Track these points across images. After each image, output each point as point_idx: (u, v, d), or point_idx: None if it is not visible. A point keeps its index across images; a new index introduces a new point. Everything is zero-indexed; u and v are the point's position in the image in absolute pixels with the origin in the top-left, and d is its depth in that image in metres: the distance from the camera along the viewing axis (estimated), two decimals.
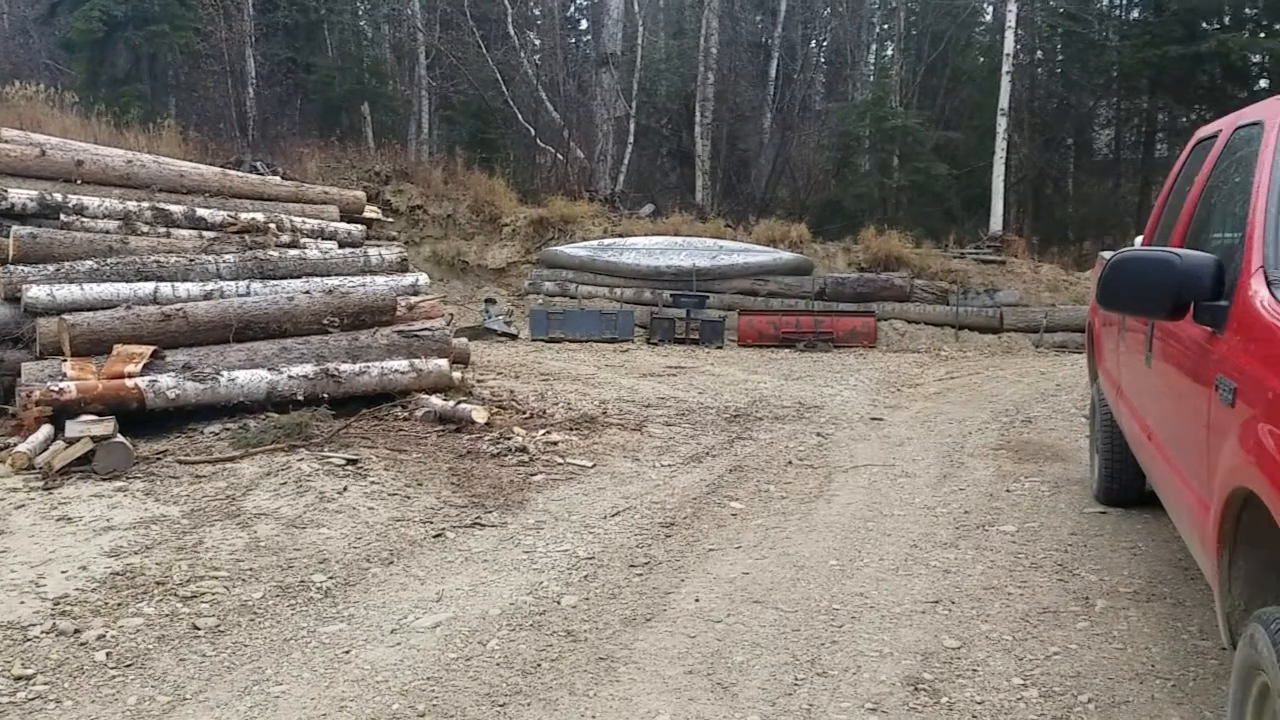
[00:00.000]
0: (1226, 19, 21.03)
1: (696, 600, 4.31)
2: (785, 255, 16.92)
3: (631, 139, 22.55)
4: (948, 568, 4.71)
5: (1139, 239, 5.12)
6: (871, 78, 25.36)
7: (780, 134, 23.61)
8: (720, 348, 14.74)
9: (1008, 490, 6.16)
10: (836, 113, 23.90)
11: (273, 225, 9.35)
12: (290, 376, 7.36)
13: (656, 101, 24.35)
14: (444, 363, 8.36)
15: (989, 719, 3.25)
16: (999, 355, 14.57)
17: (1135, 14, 23.36)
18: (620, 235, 17.94)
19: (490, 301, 16.73)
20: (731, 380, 11.22)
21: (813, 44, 27.69)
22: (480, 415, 7.54)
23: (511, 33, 23.14)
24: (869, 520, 5.50)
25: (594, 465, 6.73)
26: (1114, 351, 4.92)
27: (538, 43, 26.28)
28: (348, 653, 3.76)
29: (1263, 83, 20.43)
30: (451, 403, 7.81)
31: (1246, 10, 20.97)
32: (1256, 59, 20.74)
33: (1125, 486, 5.46)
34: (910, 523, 5.46)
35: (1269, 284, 2.62)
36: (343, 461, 6.21)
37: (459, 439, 7.13)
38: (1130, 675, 3.53)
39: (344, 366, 7.68)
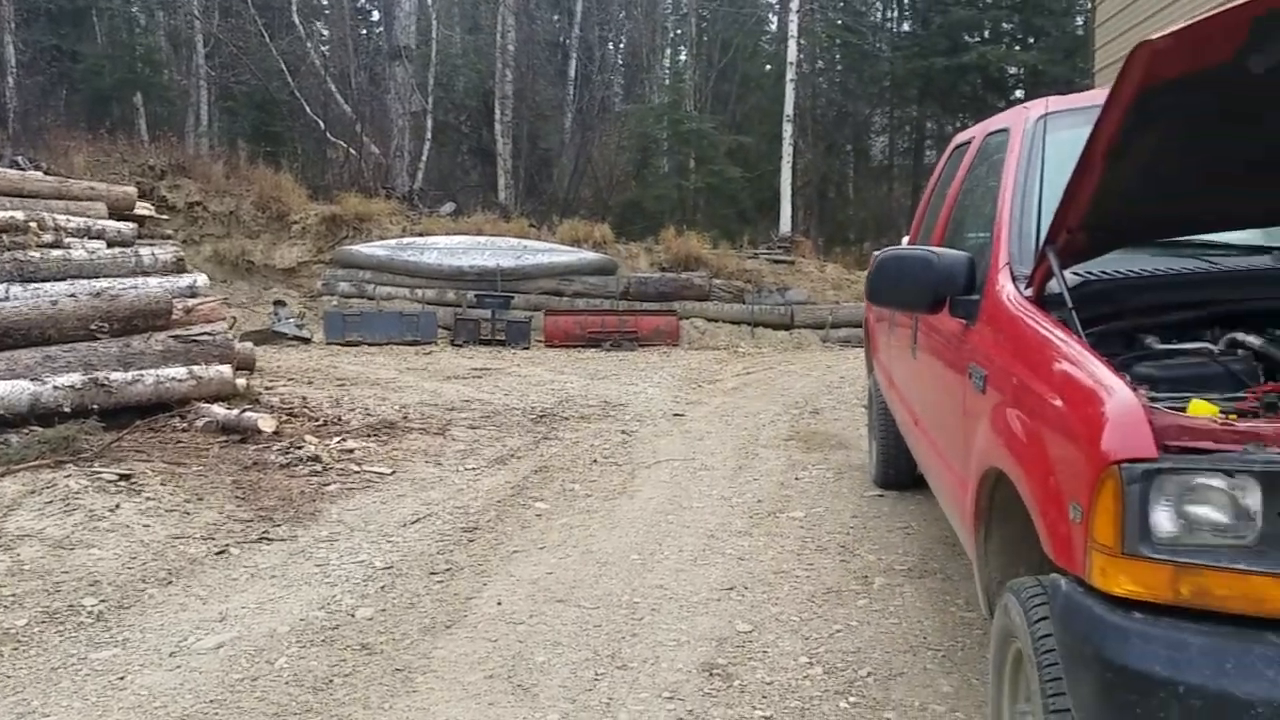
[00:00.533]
0: (986, 33, 22.76)
1: (499, 603, 4.28)
2: (590, 255, 17.05)
3: (429, 135, 22.14)
4: (742, 555, 4.87)
5: (906, 239, 5.47)
6: (667, 81, 25.93)
7: (581, 134, 23.78)
8: (527, 349, 14.70)
9: (796, 478, 6.44)
10: (635, 114, 24.30)
11: (34, 224, 8.60)
12: (55, 387, 6.81)
13: (454, 98, 24.03)
14: (226, 369, 7.94)
15: (778, 698, 3.39)
16: (791, 351, 15.21)
17: (906, 26, 24.93)
18: (420, 234, 17.57)
19: (280, 303, 16.01)
20: (538, 381, 11.21)
21: (610, 45, 28.04)
22: (267, 424, 7.22)
23: (297, 21, 22.26)
24: (670, 514, 5.62)
25: (393, 472, 6.57)
26: (886, 345, 5.23)
27: (325, 33, 25.40)
28: (122, 679, 3.52)
29: (1019, 93, 22.24)
30: (236, 411, 7.42)
31: (1004, 25, 22.75)
32: (1014, 71, 22.55)
33: (900, 471, 5.81)
34: (708, 514, 5.62)
35: (1014, 279, 2.85)
36: (115, 477, 5.80)
37: (244, 449, 6.79)
38: (905, 648, 3.77)
39: (115, 375, 7.17)
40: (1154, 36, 1.94)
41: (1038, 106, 3.41)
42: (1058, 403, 2.18)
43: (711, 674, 3.58)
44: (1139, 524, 1.82)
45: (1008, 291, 2.83)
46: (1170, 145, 2.22)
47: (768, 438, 7.89)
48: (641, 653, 3.76)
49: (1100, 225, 2.45)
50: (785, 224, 19.90)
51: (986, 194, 3.59)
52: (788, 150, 19.87)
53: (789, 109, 19.82)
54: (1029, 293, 2.70)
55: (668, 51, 27.41)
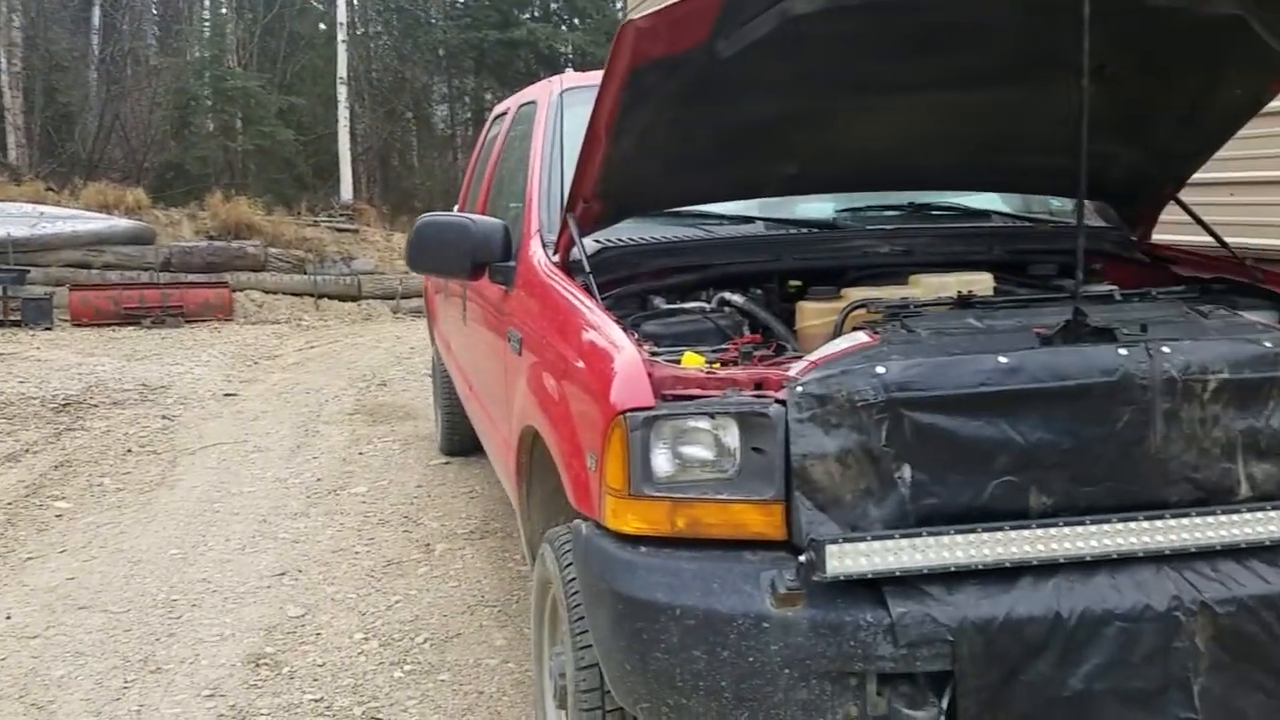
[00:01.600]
0: (536, 11, 23.59)
1: (8, 617, 3.77)
2: (122, 223, 15.31)
3: None
4: (297, 538, 4.69)
5: (456, 208, 5.53)
6: (207, 34, 23.89)
7: (107, 88, 21.21)
8: (49, 329, 12.92)
9: (360, 453, 6.31)
10: (171, 69, 22.13)
11: None
12: None
13: None
14: None
15: (329, 679, 3.31)
16: (359, 323, 14.83)
17: None
18: None
19: None
20: (62, 365, 9.91)
21: None
22: None
23: None
24: (217, 502, 5.26)
25: None
26: (444, 314, 5.27)
27: None
28: None
29: (570, 71, 23.30)
30: None
31: (552, 4, 23.71)
32: (564, 49, 23.60)
33: (463, 437, 5.90)
34: (261, 498, 5.33)
35: (544, 245, 2.98)
36: None
37: None
38: (463, 609, 3.85)
39: None
40: (637, 17, 2.10)
41: (559, 81, 3.58)
42: (578, 362, 2.31)
43: (259, 664, 3.42)
44: (642, 466, 1.98)
45: (538, 258, 2.95)
46: (662, 121, 2.42)
47: (331, 413, 7.65)
48: (179, 653, 3.49)
49: (610, 195, 2.63)
50: (347, 191, 19.28)
51: (519, 164, 3.72)
52: (344, 114, 19.21)
53: (342, 71, 19.16)
54: (556, 259, 2.83)
55: (206, 2, 25.19)
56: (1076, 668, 1.86)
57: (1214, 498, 2.00)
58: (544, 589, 2.68)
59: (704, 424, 1.99)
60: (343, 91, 19.10)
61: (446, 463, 5.96)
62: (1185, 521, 1.94)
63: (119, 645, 3.54)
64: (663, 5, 2.10)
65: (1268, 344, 2.04)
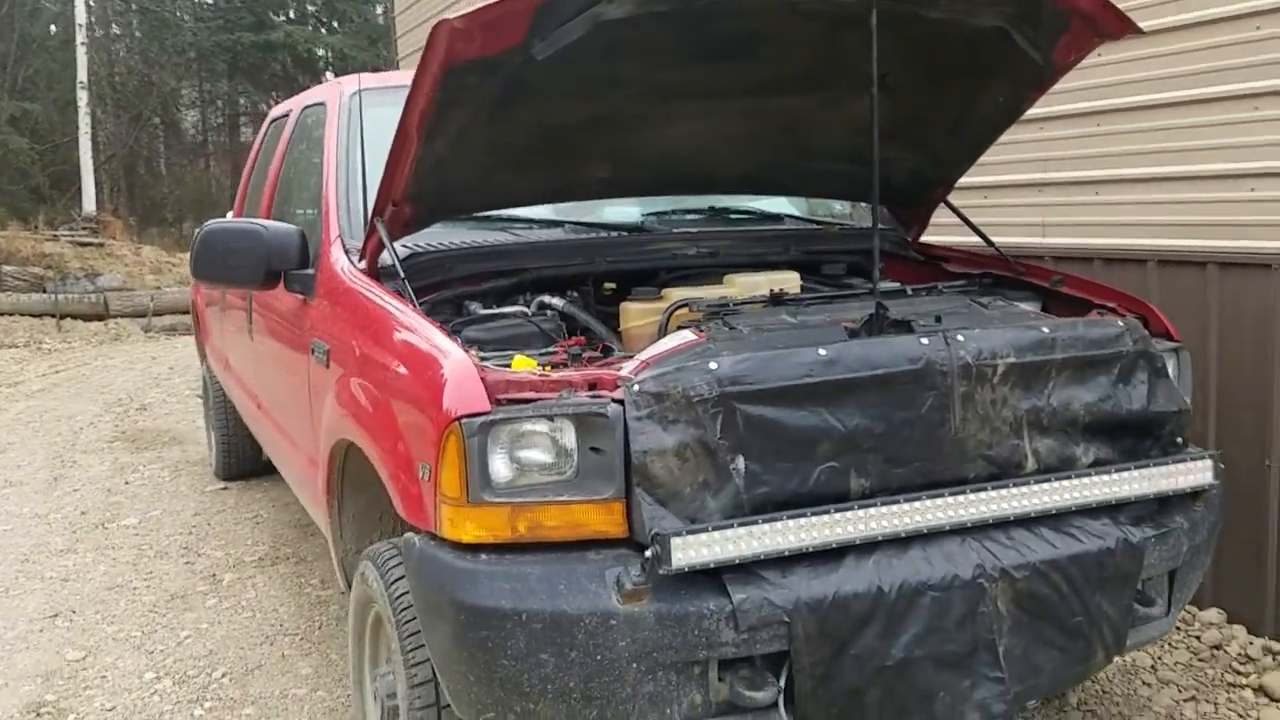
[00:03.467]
0: (292, 13, 22.68)
1: None
2: None
3: None
4: (66, 576, 4.29)
5: (231, 215, 5.23)
6: None
7: None
8: None
9: (126, 482, 5.84)
10: None
11: None
12: None
13: None
14: None
15: None
16: (108, 343, 13.69)
17: None
18: None
19: None
20: None
21: None
22: None
23: None
24: None
25: None
26: (220, 329, 4.97)
27: None
28: None
29: (329, 75, 22.53)
30: None
31: (309, 7, 22.86)
32: (321, 53, 22.79)
33: (242, 459, 5.59)
34: (20, 536, 4.84)
35: (346, 252, 2.88)
36: None
37: None
38: (261, 639, 3.64)
39: None
40: (452, 17, 2.08)
41: (351, 82, 3.45)
42: (401, 370, 2.25)
43: (39, 714, 3.11)
44: (480, 473, 1.95)
45: (342, 264, 2.85)
46: (477, 123, 2.40)
47: (88, 441, 7.03)
48: None
49: (421, 198, 2.58)
50: (90, 201, 17.81)
51: (310, 168, 3.56)
52: (85, 120, 17.75)
53: (83, 75, 17.69)
54: (363, 265, 2.74)
55: None
56: (898, 637, 1.99)
57: (1006, 472, 2.19)
58: (364, 608, 2.58)
59: (541, 427, 1.99)
60: (83, 97, 17.62)
61: (224, 488, 5.61)
62: (983, 495, 2.12)
63: None
64: (477, 6, 2.08)
65: (1045, 330, 2.26)
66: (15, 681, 3.32)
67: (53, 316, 14.39)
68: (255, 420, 4.26)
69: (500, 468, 1.97)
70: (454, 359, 2.08)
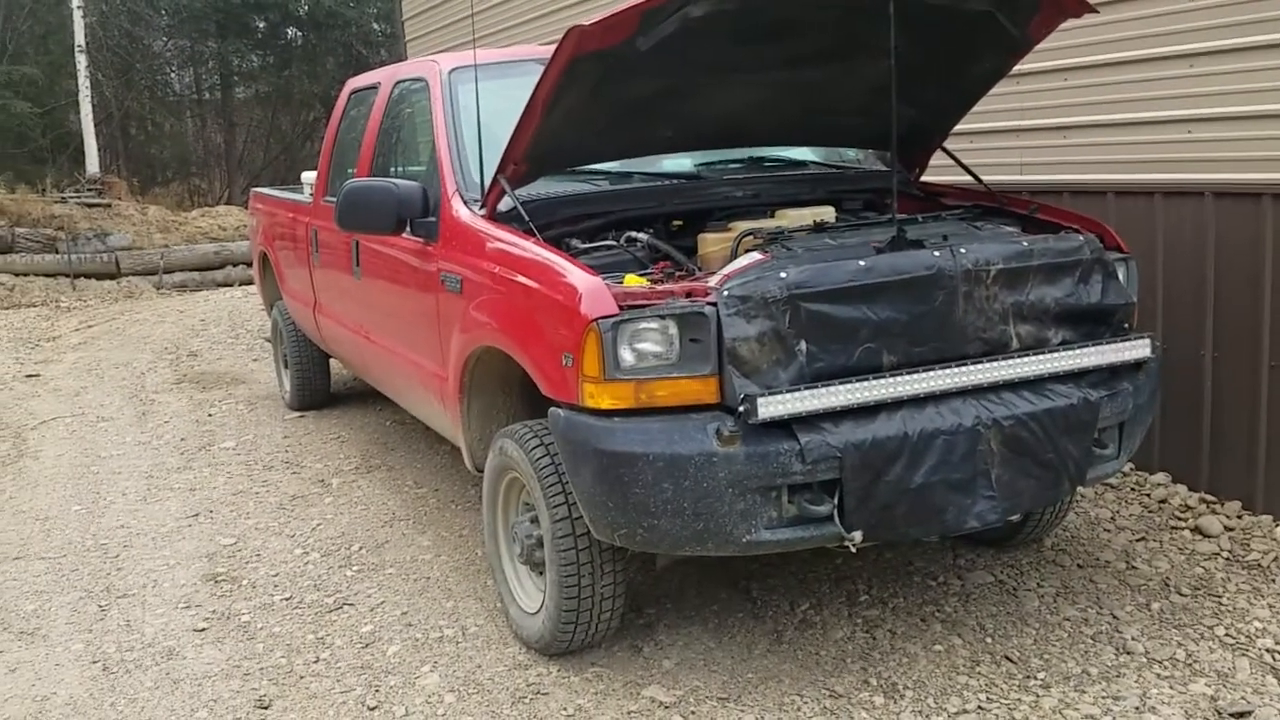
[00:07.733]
0: None
1: None
2: None
3: None
4: (192, 486, 5.01)
5: (310, 174, 5.86)
6: None
7: None
8: None
9: (210, 414, 6.53)
10: None
11: None
12: None
13: None
14: None
15: (289, 583, 3.81)
16: (124, 300, 14.24)
17: None
18: None
19: None
20: None
21: None
22: None
23: None
24: (91, 465, 5.43)
25: None
26: (303, 276, 5.63)
27: None
28: None
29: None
30: None
31: None
32: (305, 8, 23.06)
33: (315, 391, 6.31)
34: (135, 459, 5.54)
35: (465, 202, 3.59)
36: None
37: None
38: (381, 523, 4.39)
39: None
40: (585, 23, 2.78)
41: (446, 61, 4.12)
42: (541, 288, 2.97)
43: (217, 581, 3.86)
44: (612, 358, 2.69)
45: (463, 213, 3.55)
46: (582, 100, 3.10)
47: (156, 384, 7.70)
48: (137, 581, 3.87)
49: (535, 159, 3.28)
50: (92, 163, 18.18)
51: (413, 132, 4.25)
52: (85, 83, 18.07)
53: (80, 38, 17.99)
54: (483, 213, 3.45)
55: None
56: (918, 469, 2.75)
57: (996, 350, 2.95)
58: (499, 475, 3.33)
59: (654, 325, 2.72)
60: (82, 60, 17.93)
61: (301, 416, 6.31)
62: (980, 367, 2.88)
63: (75, 581, 3.85)
64: (602, 14, 2.78)
65: (1025, 244, 3.01)
66: (185, 561, 4.06)
67: (66, 276, 14.90)
68: (358, 350, 4.91)
69: (626, 354, 2.71)
70: (585, 276, 2.81)
